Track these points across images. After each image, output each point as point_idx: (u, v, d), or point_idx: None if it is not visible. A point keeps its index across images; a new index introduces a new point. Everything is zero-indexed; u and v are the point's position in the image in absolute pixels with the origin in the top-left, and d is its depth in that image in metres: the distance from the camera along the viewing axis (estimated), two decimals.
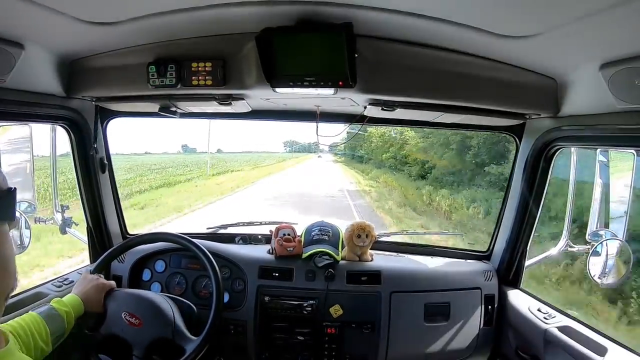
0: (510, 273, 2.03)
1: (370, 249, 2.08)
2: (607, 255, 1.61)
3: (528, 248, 1.96)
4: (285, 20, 1.29)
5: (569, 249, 1.92)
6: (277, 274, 1.95)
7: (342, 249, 2.03)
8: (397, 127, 12.14)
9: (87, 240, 2.07)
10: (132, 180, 17.18)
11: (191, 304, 1.71)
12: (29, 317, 1.30)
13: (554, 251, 1.97)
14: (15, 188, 0.77)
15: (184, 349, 1.57)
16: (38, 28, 1.26)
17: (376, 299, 1.91)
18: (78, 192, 2.00)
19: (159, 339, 1.56)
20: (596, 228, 1.74)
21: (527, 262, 2.00)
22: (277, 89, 1.50)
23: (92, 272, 1.66)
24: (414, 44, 1.45)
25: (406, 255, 2.21)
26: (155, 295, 1.70)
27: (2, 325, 0.88)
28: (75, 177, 1.96)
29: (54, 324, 1.35)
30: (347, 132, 2.21)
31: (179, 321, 1.63)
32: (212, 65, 1.50)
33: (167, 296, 1.71)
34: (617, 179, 1.67)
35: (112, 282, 1.66)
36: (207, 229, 2.34)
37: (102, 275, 1.66)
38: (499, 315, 1.98)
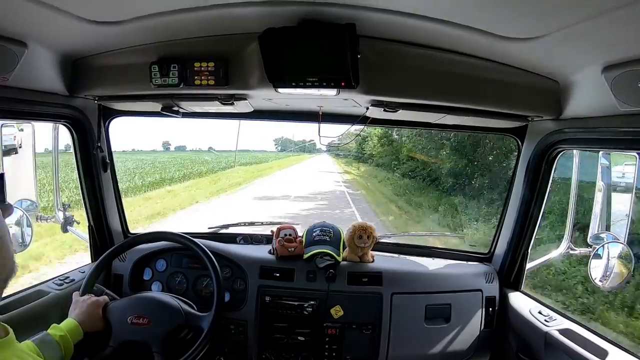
0: (511, 275, 2.02)
1: (372, 250, 2.07)
2: (608, 258, 1.61)
3: (529, 250, 1.96)
4: (288, 21, 1.30)
5: (571, 252, 1.92)
6: (278, 274, 1.95)
7: (343, 250, 2.02)
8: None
9: (88, 238, 2.07)
10: None
11: (192, 304, 1.71)
12: (23, 345, 1.25)
13: (555, 254, 1.97)
14: (3, 173, 0.78)
15: (201, 328, 1.60)
16: (41, 27, 1.26)
17: (377, 300, 1.90)
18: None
19: (173, 329, 1.58)
20: (598, 231, 1.74)
21: (529, 265, 2.00)
22: (280, 90, 1.49)
23: (81, 294, 1.64)
24: (417, 45, 1.46)
25: (407, 257, 2.21)
26: (154, 292, 1.71)
27: None
28: (77, 175, 1.97)
29: (49, 351, 1.32)
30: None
31: (186, 307, 1.65)
32: (215, 65, 1.50)
33: (167, 294, 1.71)
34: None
35: (105, 297, 1.65)
36: (209, 228, 2.33)
37: (92, 295, 1.64)
38: (500, 317, 1.97)
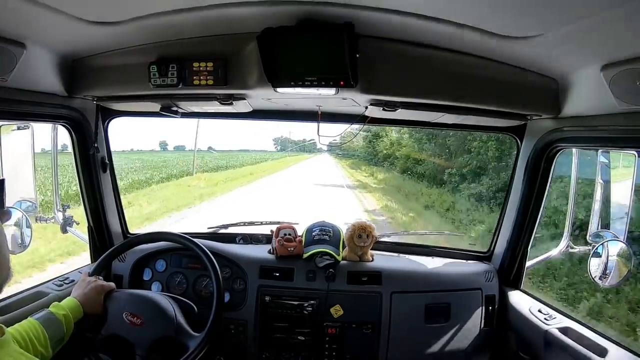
0: (511, 274, 2.02)
1: (371, 249, 2.08)
2: (607, 256, 1.61)
3: (529, 249, 1.96)
4: (286, 20, 1.30)
5: (570, 250, 1.92)
6: (277, 274, 1.95)
7: (342, 249, 2.03)
8: None
9: (87, 239, 2.07)
10: None
11: (192, 304, 1.70)
12: (27, 323, 1.30)
13: (554, 252, 1.97)
14: (4, 179, 0.79)
15: (186, 346, 1.58)
16: (40, 27, 1.26)
17: (377, 300, 1.91)
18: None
19: (161, 338, 1.56)
20: (597, 229, 1.74)
21: (528, 263, 2.00)
22: (279, 89, 1.49)
23: (90, 274, 1.66)
24: (416, 44, 1.46)
25: (407, 256, 2.21)
26: (155, 294, 1.70)
27: None
28: (77, 176, 1.97)
29: (52, 329, 1.34)
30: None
31: (181, 319, 1.63)
32: (214, 65, 1.50)
33: (168, 295, 1.71)
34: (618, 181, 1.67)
35: (112, 284, 1.65)
36: (208, 228, 2.34)
37: (101, 277, 1.65)
38: (500, 316, 1.98)
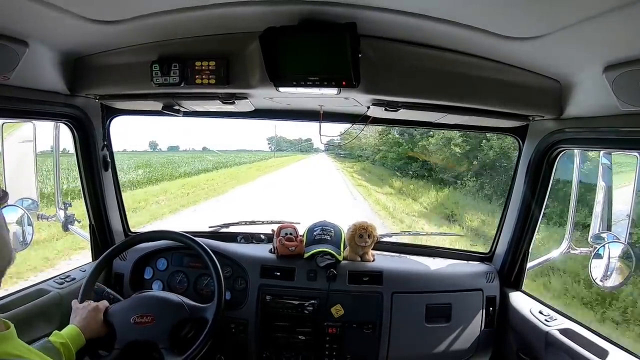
0: (512, 275, 2.02)
1: (372, 249, 2.08)
2: (609, 258, 1.61)
3: (530, 250, 1.96)
4: (288, 20, 1.30)
5: (571, 252, 1.92)
6: (278, 274, 1.95)
7: (344, 249, 2.03)
8: None
9: (89, 237, 2.07)
10: None
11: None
12: None
13: (555, 253, 1.97)
14: None
15: (205, 319, 1.61)
16: (42, 26, 1.26)
17: (377, 300, 1.91)
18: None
19: (178, 323, 1.58)
20: (599, 231, 1.74)
21: (529, 264, 2.00)
22: (281, 89, 1.50)
23: (80, 302, 1.61)
24: (418, 44, 1.45)
25: (408, 256, 2.21)
26: (154, 291, 1.71)
27: None
28: (79, 174, 1.97)
29: (49, 357, 1.33)
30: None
31: (188, 300, 1.65)
32: (216, 64, 1.50)
33: (167, 292, 1.71)
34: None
35: (105, 302, 1.63)
36: (209, 227, 2.34)
37: (91, 301, 1.62)
38: (501, 317, 1.98)
